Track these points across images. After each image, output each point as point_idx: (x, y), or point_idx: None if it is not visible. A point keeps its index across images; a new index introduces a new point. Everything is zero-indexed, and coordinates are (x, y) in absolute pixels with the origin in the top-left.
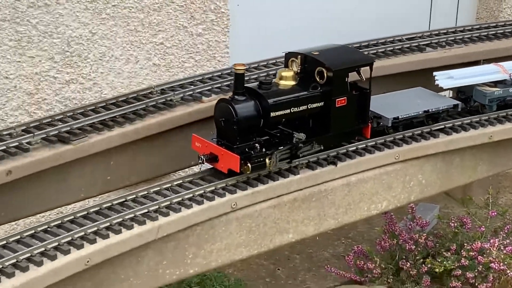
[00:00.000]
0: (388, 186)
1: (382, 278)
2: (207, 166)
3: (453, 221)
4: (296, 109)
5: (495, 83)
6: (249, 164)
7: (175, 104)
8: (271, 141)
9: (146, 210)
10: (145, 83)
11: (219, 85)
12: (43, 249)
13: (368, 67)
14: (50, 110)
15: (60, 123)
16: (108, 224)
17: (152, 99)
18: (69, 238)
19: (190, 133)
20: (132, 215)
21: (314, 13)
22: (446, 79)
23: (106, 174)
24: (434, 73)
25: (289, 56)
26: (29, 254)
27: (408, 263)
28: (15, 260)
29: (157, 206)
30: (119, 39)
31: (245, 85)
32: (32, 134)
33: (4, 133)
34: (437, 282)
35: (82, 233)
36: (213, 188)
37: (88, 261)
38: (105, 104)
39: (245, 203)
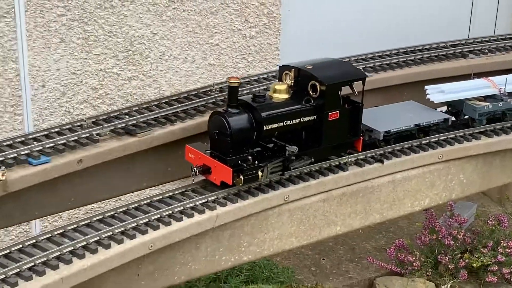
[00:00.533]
0: (431, 184)
1: (422, 271)
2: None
3: (490, 219)
4: (289, 122)
5: (485, 98)
6: (241, 177)
7: None
8: (264, 154)
9: (205, 200)
10: (201, 81)
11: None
12: (110, 233)
13: (360, 82)
14: (113, 104)
15: (127, 116)
16: (170, 212)
17: (211, 96)
18: (134, 224)
19: None
20: (192, 204)
21: (360, 18)
22: (437, 94)
23: (167, 165)
24: (426, 87)
25: (283, 69)
26: (98, 238)
27: (447, 258)
28: (85, 243)
29: (215, 197)
30: (178, 40)
31: (239, 97)
32: (101, 126)
33: (76, 124)
34: (473, 277)
35: (146, 220)
36: (267, 181)
37: (151, 246)
38: (167, 100)
39: (297, 196)
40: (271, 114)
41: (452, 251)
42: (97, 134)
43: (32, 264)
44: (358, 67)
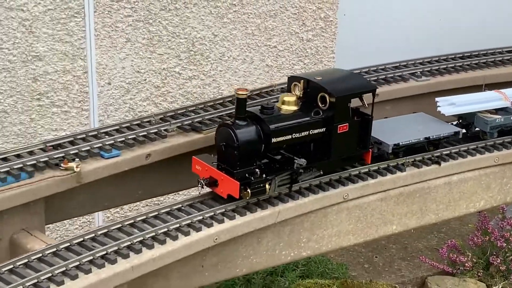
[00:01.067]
0: (487, 186)
1: (473, 271)
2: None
3: None
4: (297, 135)
5: (496, 110)
6: (248, 190)
7: None
8: (272, 166)
9: (267, 196)
10: (258, 82)
11: None
12: (177, 225)
13: (370, 94)
14: (174, 102)
15: (193, 114)
16: (234, 206)
17: (273, 96)
18: (200, 217)
19: None
20: (255, 200)
21: (416, 23)
22: (448, 106)
23: None
24: (437, 99)
25: (292, 80)
26: (166, 229)
27: (498, 259)
28: (154, 234)
29: (277, 193)
30: (238, 41)
31: (247, 109)
32: (169, 123)
33: (145, 120)
34: None
35: (212, 213)
36: (327, 179)
37: (216, 239)
38: (231, 99)
39: (356, 195)
40: (279, 127)
41: (504, 253)
42: (165, 130)
43: (104, 252)
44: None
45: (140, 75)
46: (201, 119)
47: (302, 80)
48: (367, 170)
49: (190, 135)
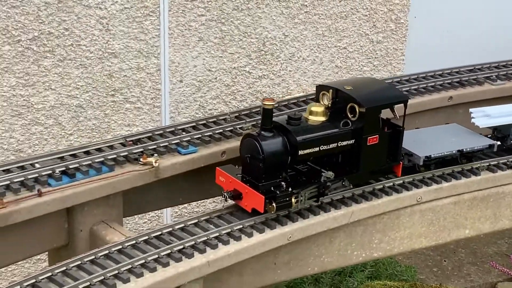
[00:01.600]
0: None
1: None
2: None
3: None
4: (325, 147)
5: None
6: (274, 204)
7: None
8: (298, 178)
9: (341, 196)
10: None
11: (416, 87)
12: (252, 222)
13: (402, 105)
14: (243, 101)
15: None
16: (308, 205)
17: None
18: (275, 215)
19: None
20: (329, 200)
21: (488, 26)
22: (483, 118)
23: None
24: (471, 110)
25: (320, 89)
26: (241, 226)
27: None
28: (229, 230)
29: (351, 194)
30: (308, 42)
31: (274, 119)
32: (244, 121)
33: (220, 118)
34: None
35: (286, 212)
36: (401, 181)
37: (290, 237)
38: (305, 98)
39: (429, 198)
40: (307, 139)
41: None
42: (240, 128)
43: (182, 246)
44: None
45: (211, 73)
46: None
47: (331, 90)
48: (441, 173)
49: None
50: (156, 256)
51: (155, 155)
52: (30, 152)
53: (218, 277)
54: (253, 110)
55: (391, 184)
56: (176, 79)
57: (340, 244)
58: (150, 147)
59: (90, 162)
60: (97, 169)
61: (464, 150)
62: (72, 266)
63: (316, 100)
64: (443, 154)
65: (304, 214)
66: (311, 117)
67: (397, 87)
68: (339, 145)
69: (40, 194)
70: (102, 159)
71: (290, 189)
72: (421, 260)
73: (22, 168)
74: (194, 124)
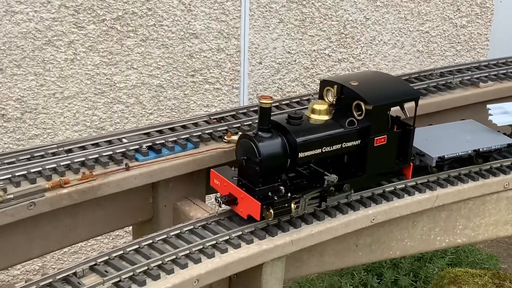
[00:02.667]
0: None
1: None
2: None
3: None
4: (328, 149)
5: None
6: (271, 210)
7: (454, 86)
8: (299, 183)
9: (426, 180)
10: (407, 68)
11: (495, 72)
12: (335, 203)
13: (413, 102)
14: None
15: None
16: (392, 188)
17: (432, 80)
18: (358, 197)
19: (464, 115)
20: (414, 183)
21: None
22: (501, 115)
23: None
24: (488, 106)
25: (325, 84)
26: (324, 207)
27: None
28: (312, 211)
29: (436, 178)
30: (389, 25)
31: (273, 118)
32: None
33: (304, 99)
34: None
35: (370, 194)
36: (488, 167)
37: (373, 219)
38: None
39: None
40: (308, 140)
41: None
42: None
43: (265, 225)
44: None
45: (290, 55)
46: None
47: (336, 85)
48: None
49: None
50: (240, 233)
51: (239, 133)
52: (111, 131)
53: (299, 257)
54: None
55: (478, 169)
56: (256, 60)
57: (423, 228)
58: (234, 125)
59: (175, 138)
60: (183, 145)
61: (481, 149)
62: (158, 240)
63: (320, 96)
64: (457, 154)
65: (388, 196)
66: (313, 116)
67: (475, 72)
68: (343, 146)
69: (127, 168)
70: (187, 135)
71: (289, 194)
72: (503, 249)
73: (110, 142)
74: (277, 103)
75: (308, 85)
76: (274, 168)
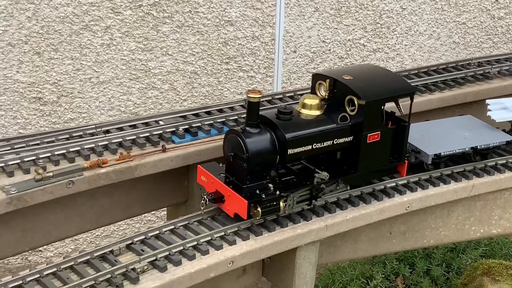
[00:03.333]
0: None
1: None
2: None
3: None
4: (319, 145)
5: None
6: (259, 209)
7: (492, 76)
8: (288, 180)
9: (462, 169)
10: (443, 59)
11: None
12: (371, 189)
13: (408, 98)
14: None
15: None
16: (428, 176)
17: (470, 69)
18: (393, 184)
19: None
20: (449, 172)
21: None
22: (500, 111)
23: None
24: (487, 101)
25: (317, 78)
26: (359, 192)
27: None
28: (347, 196)
29: (472, 167)
30: (426, 16)
31: (262, 113)
32: None
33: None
34: None
35: (405, 181)
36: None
37: (408, 207)
38: (426, 70)
39: None
40: (297, 136)
41: None
42: None
43: (300, 209)
44: None
45: (325, 44)
46: None
47: (328, 79)
48: None
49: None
50: (275, 216)
51: None
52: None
53: (333, 242)
54: None
55: (504, 161)
56: (290, 49)
57: (458, 218)
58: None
59: (212, 121)
60: (219, 129)
61: (478, 147)
62: (194, 221)
63: (312, 90)
64: (454, 151)
65: (423, 185)
66: (304, 111)
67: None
68: (335, 142)
69: (164, 150)
70: (223, 119)
71: (278, 192)
72: None
73: (147, 124)
74: (292, 94)
75: None
76: (262, 165)
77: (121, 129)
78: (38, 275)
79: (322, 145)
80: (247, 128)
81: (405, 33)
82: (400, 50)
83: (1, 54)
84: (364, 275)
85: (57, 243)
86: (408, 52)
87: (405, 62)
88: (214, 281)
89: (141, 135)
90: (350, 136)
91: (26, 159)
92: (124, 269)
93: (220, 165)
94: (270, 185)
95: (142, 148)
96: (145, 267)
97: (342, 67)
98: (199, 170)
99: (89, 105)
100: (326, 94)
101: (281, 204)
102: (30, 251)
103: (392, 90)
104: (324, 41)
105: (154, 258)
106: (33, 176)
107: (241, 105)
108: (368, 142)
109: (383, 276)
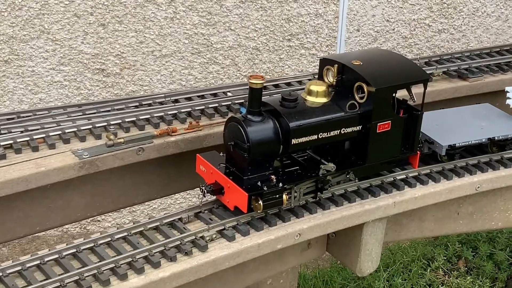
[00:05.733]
0: None
1: None
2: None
3: None
4: (325, 135)
5: None
6: (260, 202)
7: None
8: (292, 171)
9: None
10: (511, 41)
11: None
12: (441, 168)
13: (422, 85)
14: (419, 54)
15: (459, 61)
16: (499, 157)
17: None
18: (464, 164)
19: None
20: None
21: None
22: None
23: None
24: (507, 89)
25: (324, 63)
26: (429, 171)
27: None
28: (416, 174)
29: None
30: None
31: (265, 100)
32: (434, 67)
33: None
34: None
35: (476, 161)
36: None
37: (478, 187)
38: (489, 51)
39: None
40: (302, 125)
41: None
42: (431, 74)
43: (369, 185)
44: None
45: (389, 24)
46: (467, 66)
47: (336, 64)
48: None
49: (455, 82)
50: (343, 191)
51: None
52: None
53: (399, 220)
54: (444, 57)
55: None
56: (353, 27)
57: None
58: None
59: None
60: None
61: (496, 138)
62: None
63: (319, 76)
64: (470, 142)
65: (494, 165)
66: (309, 98)
67: None
68: (342, 132)
69: None
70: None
71: (280, 184)
72: None
73: (215, 95)
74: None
75: (405, 55)
76: (265, 155)
77: (189, 99)
78: (126, 233)
79: (328, 135)
80: (249, 116)
81: (472, 14)
82: (466, 31)
83: (67, 25)
84: (425, 256)
85: (114, 213)
86: (474, 34)
87: (471, 44)
88: (279, 253)
89: (209, 106)
90: (359, 125)
91: (97, 125)
92: (193, 237)
93: (221, 154)
94: (272, 176)
95: (211, 118)
96: (214, 236)
97: (352, 52)
98: (198, 160)
99: (150, 78)
100: (334, 80)
101: (284, 196)
102: (89, 220)
103: (404, 76)
104: (388, 20)
105: (222, 227)
106: (104, 141)
107: (309, 79)
108: (378, 131)
109: (445, 258)
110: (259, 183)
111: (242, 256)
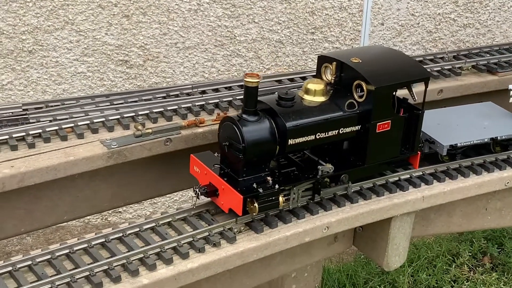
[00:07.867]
0: None
1: None
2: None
3: None
4: (323, 135)
5: None
6: (256, 204)
7: None
8: (289, 172)
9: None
10: None
11: None
12: (470, 163)
13: (422, 83)
14: (444, 49)
15: (488, 55)
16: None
17: None
18: (493, 159)
19: None
20: None
21: None
22: None
23: None
24: (510, 86)
25: (322, 60)
26: (457, 165)
27: None
28: (445, 168)
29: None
30: None
31: (261, 99)
32: (464, 61)
33: (438, 56)
34: None
35: (506, 156)
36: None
37: (508, 182)
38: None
39: None
40: (299, 124)
41: None
42: (459, 68)
43: (397, 179)
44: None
45: (414, 18)
46: (497, 60)
47: (335, 62)
48: None
49: (484, 76)
50: (371, 185)
51: None
52: None
53: (427, 215)
54: (473, 52)
55: None
56: (378, 21)
57: None
58: None
59: None
60: None
61: (499, 137)
62: None
63: (317, 74)
64: (472, 142)
65: None
66: (307, 97)
67: None
68: (341, 132)
69: None
70: None
71: (276, 186)
72: None
73: (241, 87)
74: (421, 58)
75: (429, 49)
76: (260, 156)
77: (216, 90)
78: (154, 224)
79: (326, 135)
80: (244, 116)
81: (498, 8)
82: (492, 26)
83: (91, 16)
84: (450, 252)
85: (135, 205)
86: (500, 29)
87: (496, 39)
88: (306, 246)
89: (237, 97)
90: (357, 125)
91: (125, 115)
92: (222, 228)
93: (216, 154)
94: (268, 178)
95: (238, 109)
96: (242, 228)
97: (351, 49)
98: (192, 160)
99: (173, 70)
100: (332, 78)
101: (281, 198)
102: (110, 211)
103: (404, 75)
104: (413, 14)
105: (250, 219)
106: (132, 132)
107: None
108: (377, 131)
109: (470, 254)
110: (254, 185)
111: (270, 248)
